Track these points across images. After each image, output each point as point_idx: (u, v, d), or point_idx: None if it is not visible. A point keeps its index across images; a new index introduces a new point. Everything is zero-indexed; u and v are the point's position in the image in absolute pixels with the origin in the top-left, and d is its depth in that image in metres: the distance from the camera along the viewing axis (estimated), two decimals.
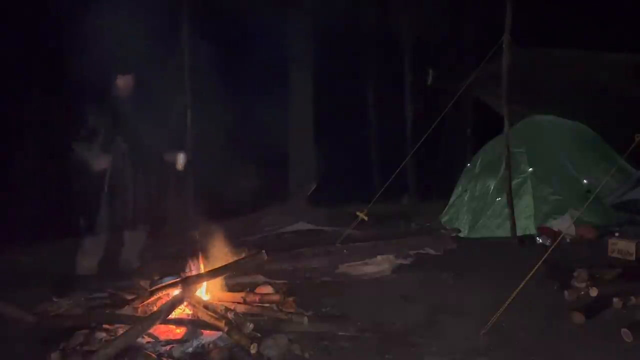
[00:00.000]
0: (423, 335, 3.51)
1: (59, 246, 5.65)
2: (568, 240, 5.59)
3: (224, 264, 3.92)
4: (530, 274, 3.61)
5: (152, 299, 3.72)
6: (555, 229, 5.78)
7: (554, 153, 6.75)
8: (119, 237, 5.06)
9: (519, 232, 5.96)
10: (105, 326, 3.47)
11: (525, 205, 6.25)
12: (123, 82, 4.98)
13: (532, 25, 8.24)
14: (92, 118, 4.84)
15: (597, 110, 7.33)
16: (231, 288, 4.08)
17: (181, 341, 3.29)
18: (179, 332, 3.41)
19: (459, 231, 6.35)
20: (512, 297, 3.49)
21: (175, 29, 8.15)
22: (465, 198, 6.94)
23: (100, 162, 4.82)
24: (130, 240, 5.11)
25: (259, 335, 3.27)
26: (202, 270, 3.94)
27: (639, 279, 4.13)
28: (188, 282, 3.63)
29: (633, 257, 4.91)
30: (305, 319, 3.57)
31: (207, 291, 3.87)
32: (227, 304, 3.65)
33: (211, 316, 3.36)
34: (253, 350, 3.09)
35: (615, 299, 3.71)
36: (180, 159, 5.14)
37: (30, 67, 8.60)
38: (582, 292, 3.98)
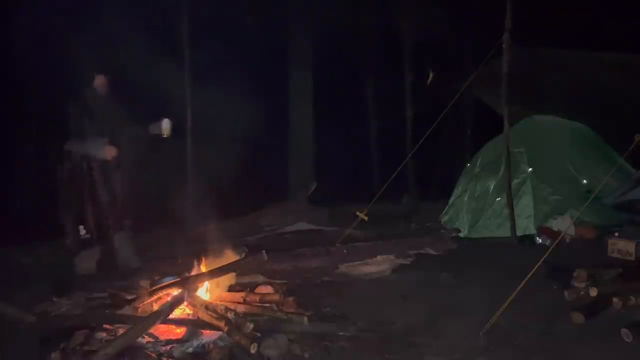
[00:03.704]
0: (423, 335, 3.51)
1: (59, 246, 5.65)
2: (568, 240, 5.59)
3: (224, 264, 3.93)
4: (530, 274, 3.61)
5: (152, 299, 3.72)
6: (555, 229, 5.78)
7: (553, 153, 6.75)
8: (117, 237, 5.09)
9: (519, 232, 5.96)
10: (105, 326, 3.47)
11: (525, 205, 6.25)
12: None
13: (532, 25, 8.24)
14: (88, 116, 4.87)
15: (597, 110, 7.32)
16: (231, 288, 4.08)
17: (181, 341, 3.29)
18: (179, 332, 3.41)
19: (459, 231, 6.36)
20: (512, 297, 3.49)
21: (175, 30, 8.15)
22: (465, 198, 6.93)
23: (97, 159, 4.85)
24: (128, 240, 5.13)
25: (259, 335, 3.27)
26: (202, 270, 3.95)
27: (639, 279, 4.12)
28: (188, 282, 3.64)
29: (633, 257, 4.91)
30: (305, 319, 3.57)
31: (208, 291, 3.87)
32: (227, 304, 3.66)
33: (211, 316, 3.37)
34: (253, 350, 3.10)
35: (615, 299, 3.70)
36: (166, 126, 5.05)
37: (28, 66, 8.61)
38: (582, 292, 3.97)
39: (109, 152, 4.85)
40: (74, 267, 4.95)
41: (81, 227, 4.89)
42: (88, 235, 4.90)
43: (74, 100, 4.88)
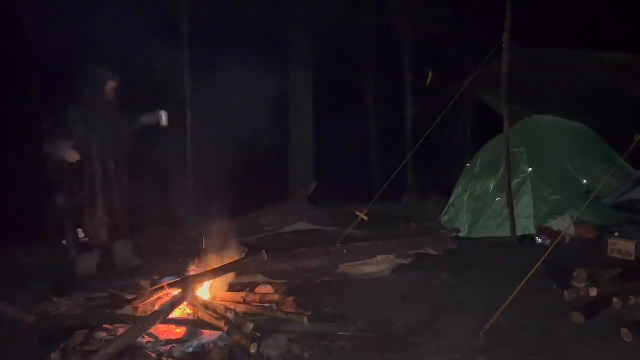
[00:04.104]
0: (423, 335, 3.51)
1: (59, 246, 5.65)
2: (568, 240, 5.59)
3: (224, 264, 3.93)
4: (530, 274, 3.61)
5: (152, 299, 3.72)
6: (555, 229, 5.78)
7: (553, 153, 6.75)
8: (117, 238, 5.09)
9: (519, 232, 5.96)
10: (105, 326, 3.47)
11: (525, 205, 6.25)
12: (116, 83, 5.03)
13: (532, 25, 8.24)
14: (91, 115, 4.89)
15: (597, 110, 7.32)
16: (231, 288, 4.08)
17: (181, 341, 3.29)
18: (179, 332, 3.41)
19: (459, 231, 6.35)
20: (512, 297, 3.49)
21: (175, 30, 8.15)
22: (465, 198, 6.93)
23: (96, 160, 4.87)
24: (128, 241, 5.14)
25: (259, 335, 3.27)
26: (203, 270, 3.95)
27: (639, 279, 4.13)
28: (188, 282, 3.64)
29: (633, 257, 4.91)
30: (305, 319, 3.57)
31: (208, 291, 3.87)
32: (227, 304, 3.66)
33: (211, 316, 3.37)
34: (253, 350, 3.09)
35: (615, 299, 3.70)
36: (163, 116, 5.08)
37: (28, 66, 8.61)
38: (582, 292, 3.97)
39: (74, 156, 4.85)
40: (75, 267, 4.96)
41: (80, 230, 4.90)
42: (87, 239, 4.91)
43: (75, 103, 4.88)
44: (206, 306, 3.52)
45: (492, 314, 3.43)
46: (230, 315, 3.40)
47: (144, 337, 3.25)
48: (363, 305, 4.10)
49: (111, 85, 4.98)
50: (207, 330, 3.36)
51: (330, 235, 6.45)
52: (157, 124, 5.06)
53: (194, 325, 3.42)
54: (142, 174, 5.21)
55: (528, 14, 7.56)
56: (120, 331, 3.30)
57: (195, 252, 4.19)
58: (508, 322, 3.49)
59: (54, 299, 4.10)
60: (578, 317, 3.59)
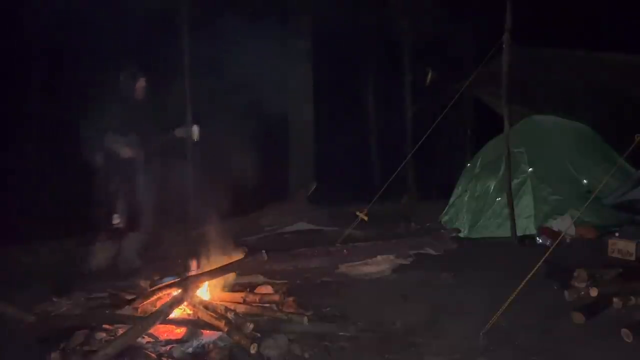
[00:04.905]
0: (423, 335, 3.51)
1: (59, 246, 5.65)
2: (568, 240, 5.59)
3: (224, 264, 3.93)
4: (530, 274, 3.61)
5: (152, 299, 3.72)
6: (555, 229, 5.78)
7: (554, 153, 6.74)
8: (120, 237, 5.10)
9: (519, 232, 5.95)
10: (105, 326, 3.47)
11: (525, 205, 6.24)
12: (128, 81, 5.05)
13: (532, 25, 8.24)
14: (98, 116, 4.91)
15: (597, 110, 7.32)
16: (231, 288, 4.08)
17: (181, 341, 3.29)
18: (179, 332, 3.41)
19: (459, 231, 6.35)
20: (512, 297, 3.49)
21: (174, 29, 8.15)
22: (465, 198, 6.93)
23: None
24: (130, 240, 5.14)
25: (259, 335, 3.27)
26: (202, 270, 3.95)
27: (639, 279, 4.13)
28: (188, 282, 3.64)
29: (633, 257, 4.90)
30: (305, 319, 3.57)
31: (207, 291, 3.87)
32: (227, 304, 3.66)
33: (211, 316, 3.37)
34: (253, 350, 3.09)
35: (615, 299, 3.70)
36: (195, 131, 5.16)
37: (32, 64, 8.61)
38: (582, 292, 3.97)
39: None
40: (75, 267, 4.97)
41: (115, 215, 4.93)
42: (121, 225, 4.95)
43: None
44: (206, 306, 3.52)
45: (492, 314, 3.43)
46: (230, 315, 3.40)
47: (144, 337, 3.25)
48: (363, 305, 4.11)
49: (141, 83, 5.02)
50: (207, 330, 3.36)
51: (330, 235, 6.46)
52: (188, 138, 5.16)
53: (194, 325, 3.42)
54: (147, 175, 5.21)
55: (528, 14, 7.56)
56: (120, 331, 3.30)
57: (196, 253, 4.19)
58: (508, 322, 3.49)
59: (54, 299, 4.11)
60: (578, 317, 3.59)
